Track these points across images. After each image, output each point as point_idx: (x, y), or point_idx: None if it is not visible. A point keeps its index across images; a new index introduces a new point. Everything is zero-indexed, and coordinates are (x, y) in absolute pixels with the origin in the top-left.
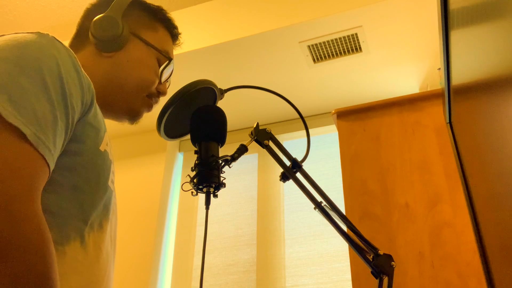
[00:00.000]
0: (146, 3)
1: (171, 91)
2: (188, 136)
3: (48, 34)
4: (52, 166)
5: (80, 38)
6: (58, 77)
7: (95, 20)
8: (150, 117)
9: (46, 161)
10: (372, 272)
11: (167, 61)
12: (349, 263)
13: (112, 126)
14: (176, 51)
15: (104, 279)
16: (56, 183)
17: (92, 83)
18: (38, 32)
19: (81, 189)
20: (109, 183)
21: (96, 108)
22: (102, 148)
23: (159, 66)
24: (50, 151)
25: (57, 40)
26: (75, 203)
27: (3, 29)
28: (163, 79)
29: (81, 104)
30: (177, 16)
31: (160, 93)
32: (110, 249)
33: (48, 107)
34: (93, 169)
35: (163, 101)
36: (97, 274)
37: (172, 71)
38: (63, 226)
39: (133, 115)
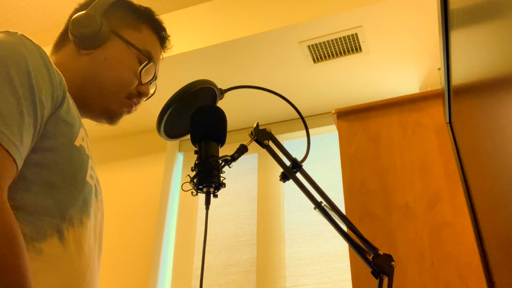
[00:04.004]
0: (131, 3)
1: (172, 91)
2: (188, 136)
3: (17, 33)
4: (19, 162)
5: (63, 37)
6: (26, 73)
7: (74, 18)
8: (150, 117)
9: (11, 156)
10: (372, 272)
11: (147, 61)
12: (349, 263)
13: (113, 126)
14: (176, 51)
15: (86, 276)
16: (30, 181)
17: (65, 79)
18: (7, 31)
19: (56, 186)
20: (88, 178)
21: (69, 103)
22: (77, 143)
23: (146, 71)
24: (16, 146)
25: (27, 38)
26: (50, 200)
27: (3, 29)
28: (143, 79)
29: (51, 99)
30: (177, 16)
31: (142, 94)
32: (94, 245)
33: (13, 103)
34: (69, 165)
35: (162, 101)
36: (79, 270)
37: (155, 73)
38: (39, 223)
39: (110, 116)
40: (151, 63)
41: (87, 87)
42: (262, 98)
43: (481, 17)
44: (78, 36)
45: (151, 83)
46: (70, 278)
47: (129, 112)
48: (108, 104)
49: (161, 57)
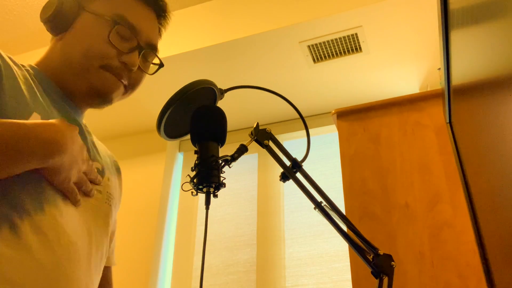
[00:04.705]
0: None
1: (172, 91)
2: (188, 136)
3: None
4: None
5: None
6: None
7: (42, 7)
8: (150, 117)
9: None
10: (372, 272)
11: (114, 25)
12: (349, 263)
13: (112, 126)
14: (176, 51)
15: (57, 267)
16: None
17: (49, 71)
18: None
19: None
20: None
21: (15, 89)
22: None
23: (118, 36)
24: None
25: None
26: None
27: (3, 29)
28: (120, 47)
29: None
30: (177, 16)
31: (127, 64)
32: (75, 234)
33: None
34: None
35: (162, 101)
36: (43, 260)
37: (148, 41)
38: None
39: (99, 94)
40: (119, 26)
41: (64, 71)
42: (262, 98)
43: (481, 17)
44: (46, 23)
45: (140, 51)
46: (30, 269)
47: (116, 86)
48: (88, 81)
49: (154, 21)
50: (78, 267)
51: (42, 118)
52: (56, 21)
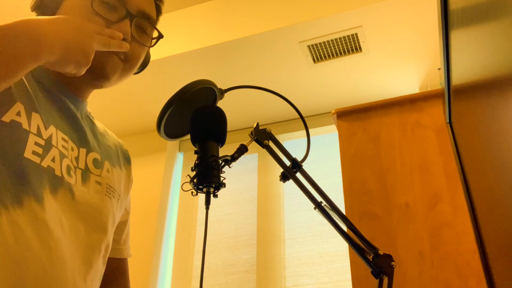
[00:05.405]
0: None
1: (172, 91)
2: (188, 136)
3: None
4: None
5: None
6: None
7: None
8: (150, 117)
9: None
10: (372, 272)
11: None
12: (349, 263)
13: (112, 126)
14: (176, 51)
15: (40, 264)
16: None
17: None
18: None
19: None
20: (28, 155)
21: None
22: (6, 119)
23: (103, 5)
24: None
25: None
26: None
27: None
28: (106, 15)
29: None
30: (177, 16)
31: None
32: (58, 232)
33: None
34: None
35: (162, 101)
36: (19, 257)
37: (127, 9)
38: None
39: (93, 70)
40: None
41: None
42: (262, 98)
43: (481, 17)
44: (34, 10)
45: (131, 20)
46: (4, 266)
47: (110, 59)
48: None
49: None
50: (63, 264)
51: (25, 108)
52: (43, 6)
